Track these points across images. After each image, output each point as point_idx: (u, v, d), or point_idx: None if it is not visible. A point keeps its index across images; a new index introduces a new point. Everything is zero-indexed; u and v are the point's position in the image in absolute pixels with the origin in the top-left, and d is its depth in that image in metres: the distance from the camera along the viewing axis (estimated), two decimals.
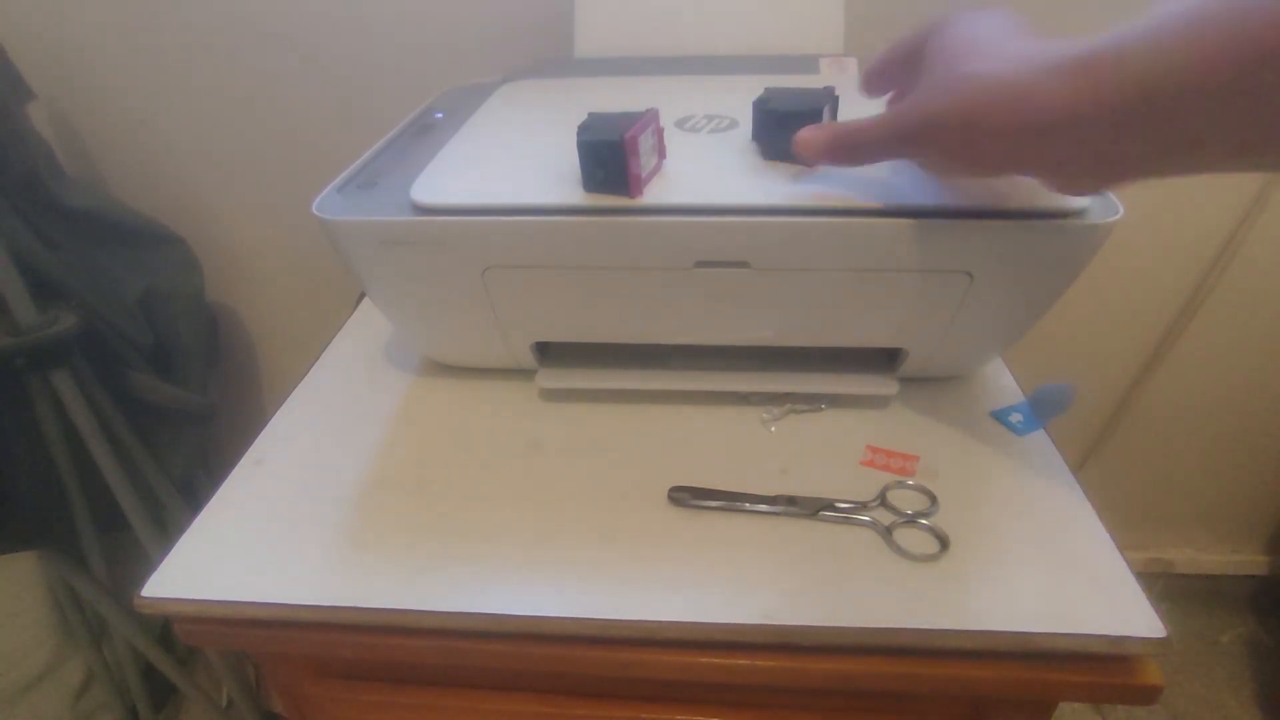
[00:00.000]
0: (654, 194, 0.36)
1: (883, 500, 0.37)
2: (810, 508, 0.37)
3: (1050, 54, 0.26)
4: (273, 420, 0.45)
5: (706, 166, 0.38)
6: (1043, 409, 0.42)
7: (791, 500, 0.37)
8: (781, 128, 0.37)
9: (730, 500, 0.37)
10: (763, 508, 0.37)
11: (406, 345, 0.51)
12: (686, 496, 0.38)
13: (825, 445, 0.41)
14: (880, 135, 0.32)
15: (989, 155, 0.29)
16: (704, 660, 0.33)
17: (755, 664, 0.33)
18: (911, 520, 0.36)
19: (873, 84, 0.36)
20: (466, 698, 0.41)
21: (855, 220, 0.34)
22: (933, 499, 0.37)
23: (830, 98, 0.37)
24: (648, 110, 0.35)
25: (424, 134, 0.45)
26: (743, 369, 0.45)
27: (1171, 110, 0.24)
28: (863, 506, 0.37)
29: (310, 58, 0.73)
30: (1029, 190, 0.35)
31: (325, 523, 0.38)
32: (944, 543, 0.35)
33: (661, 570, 0.34)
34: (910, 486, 0.38)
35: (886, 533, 0.36)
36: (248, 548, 0.36)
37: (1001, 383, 0.46)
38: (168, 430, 0.79)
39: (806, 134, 0.34)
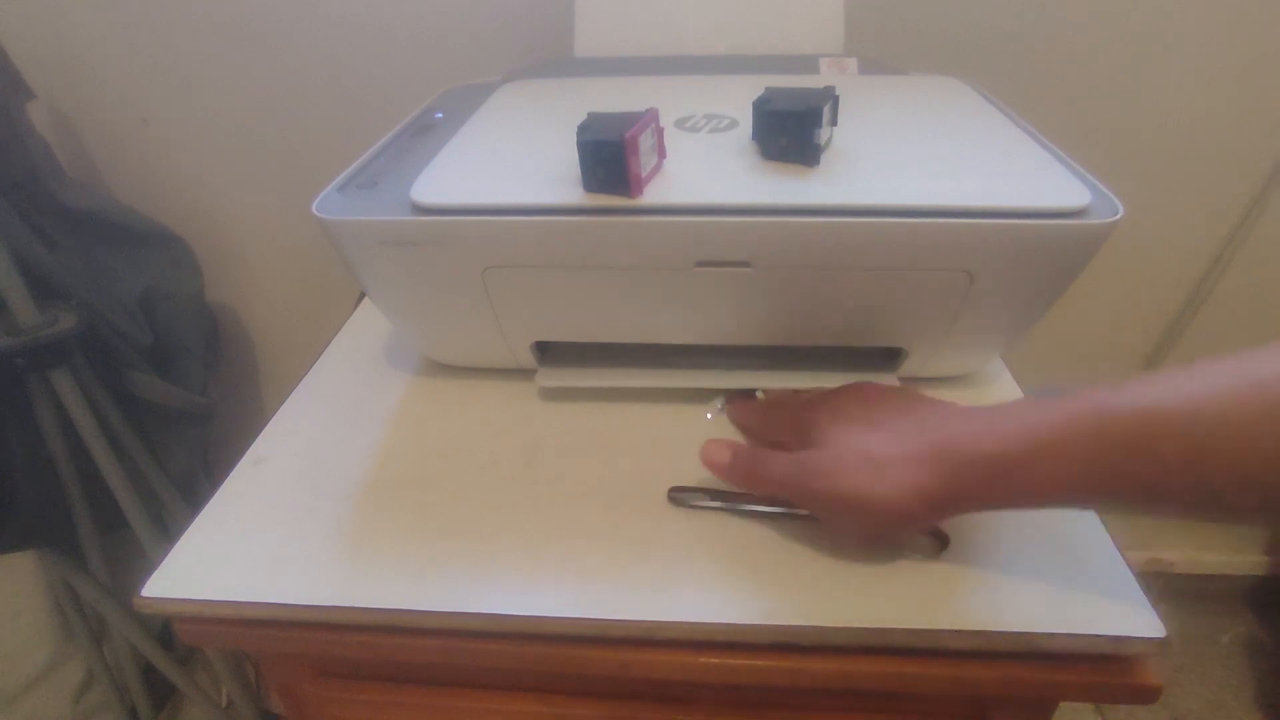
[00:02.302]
0: (654, 194, 0.35)
1: None
2: None
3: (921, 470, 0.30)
4: (273, 420, 0.45)
5: (706, 166, 0.38)
6: None
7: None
8: (781, 128, 0.37)
9: (730, 500, 0.37)
10: (763, 508, 0.37)
11: (406, 345, 0.51)
12: (687, 497, 0.38)
13: None
14: (779, 485, 0.34)
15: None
16: (704, 660, 0.33)
17: (755, 664, 0.33)
18: None
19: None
20: (466, 698, 0.41)
21: (855, 220, 0.34)
22: (939, 536, 0.36)
23: (830, 97, 0.37)
24: (648, 110, 0.35)
25: (424, 134, 0.45)
26: (743, 369, 0.45)
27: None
28: None
29: (310, 58, 0.73)
30: (1029, 190, 0.35)
31: (325, 522, 0.37)
32: (944, 542, 0.35)
33: (661, 570, 0.34)
34: None
35: None
36: (248, 548, 0.36)
37: (1001, 383, 0.46)
38: (168, 430, 0.79)
39: (713, 451, 0.37)
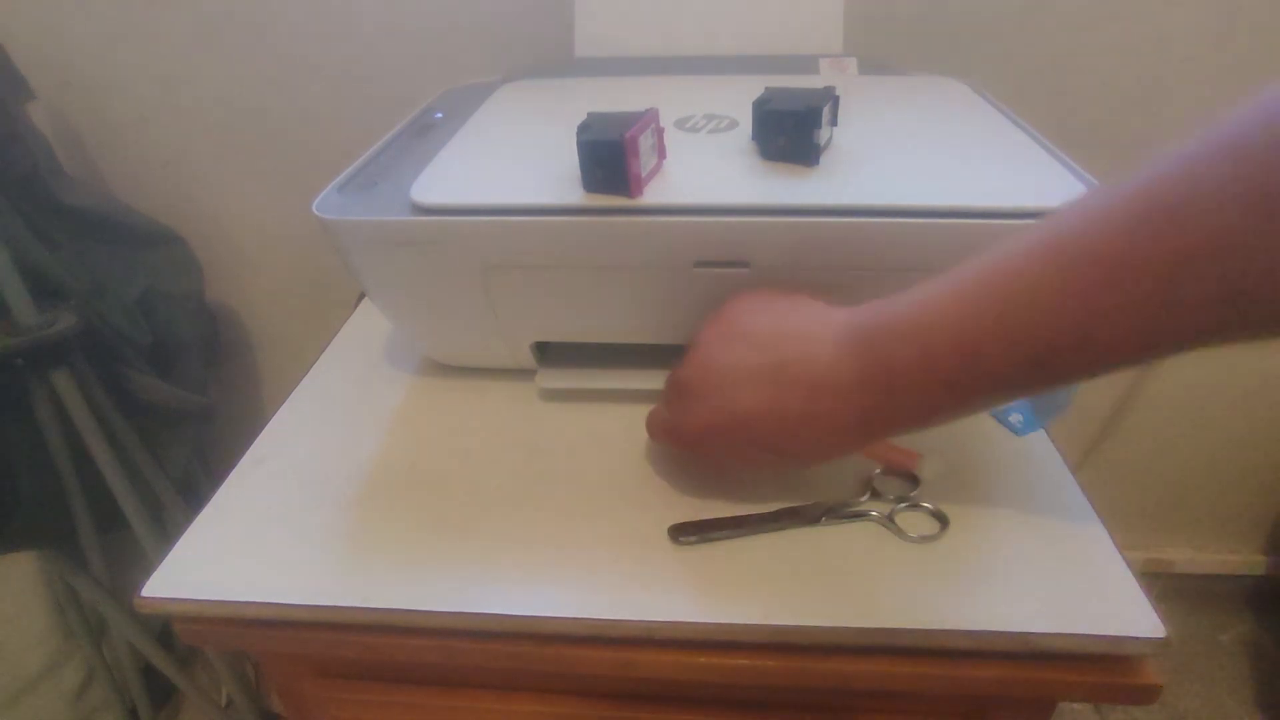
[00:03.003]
0: (654, 194, 0.36)
1: (878, 499, 0.37)
2: (811, 515, 0.36)
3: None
4: (273, 420, 0.45)
5: (706, 166, 0.38)
6: (1043, 409, 0.42)
7: (794, 512, 0.37)
8: (781, 128, 0.37)
9: (730, 530, 0.36)
10: (767, 527, 0.36)
11: (406, 345, 0.51)
12: (692, 539, 0.36)
13: None
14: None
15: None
16: (704, 660, 0.33)
17: (755, 664, 0.33)
18: (911, 508, 0.36)
19: None
20: (466, 698, 0.41)
21: (855, 220, 0.34)
22: (940, 517, 0.37)
23: (830, 97, 0.37)
24: (648, 110, 0.35)
25: (424, 134, 0.46)
26: None
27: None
28: (861, 507, 0.37)
29: (310, 58, 0.73)
30: (1029, 191, 0.35)
31: (325, 522, 0.38)
32: (943, 521, 0.35)
33: (661, 570, 0.34)
34: (912, 498, 0.37)
35: (887, 534, 0.36)
36: (248, 548, 0.36)
37: None
38: (167, 430, 0.79)
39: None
